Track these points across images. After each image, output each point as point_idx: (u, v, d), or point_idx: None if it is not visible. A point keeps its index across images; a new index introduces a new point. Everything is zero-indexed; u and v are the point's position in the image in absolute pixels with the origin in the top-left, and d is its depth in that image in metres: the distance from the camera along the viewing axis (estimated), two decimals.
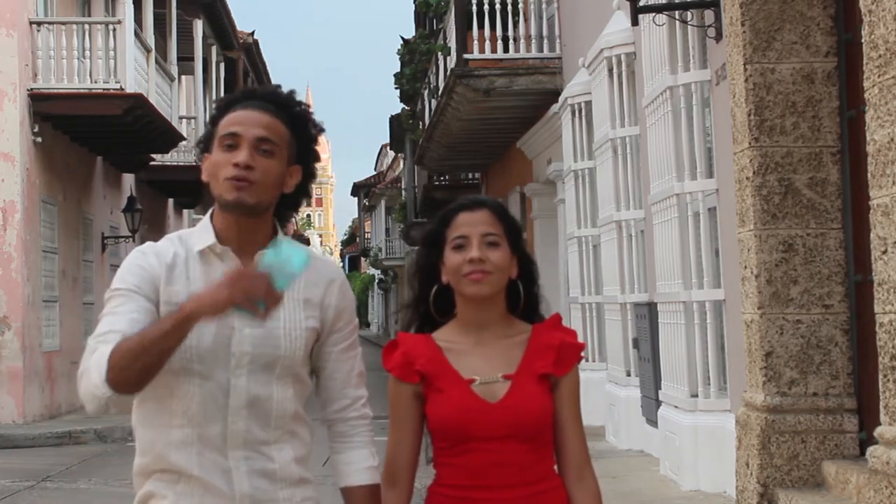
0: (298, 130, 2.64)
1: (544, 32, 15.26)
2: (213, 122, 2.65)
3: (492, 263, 2.69)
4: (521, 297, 2.79)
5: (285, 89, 2.67)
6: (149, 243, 2.66)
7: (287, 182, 2.62)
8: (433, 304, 2.79)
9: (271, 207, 2.63)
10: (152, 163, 21.22)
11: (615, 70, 10.68)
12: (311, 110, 2.69)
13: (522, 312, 2.81)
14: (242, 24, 59.93)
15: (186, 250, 2.61)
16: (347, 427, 2.74)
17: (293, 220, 2.82)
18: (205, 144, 2.66)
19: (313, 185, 2.80)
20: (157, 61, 18.46)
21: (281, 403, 2.61)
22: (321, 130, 2.70)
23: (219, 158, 2.57)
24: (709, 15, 7.86)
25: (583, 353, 2.85)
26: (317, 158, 2.72)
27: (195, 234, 2.64)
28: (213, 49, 25.59)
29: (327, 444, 2.80)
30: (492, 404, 2.67)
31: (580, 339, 2.88)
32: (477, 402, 2.67)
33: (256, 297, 2.33)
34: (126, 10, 16.34)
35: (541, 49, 15.16)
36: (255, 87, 2.69)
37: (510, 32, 15.14)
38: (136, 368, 2.39)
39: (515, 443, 2.66)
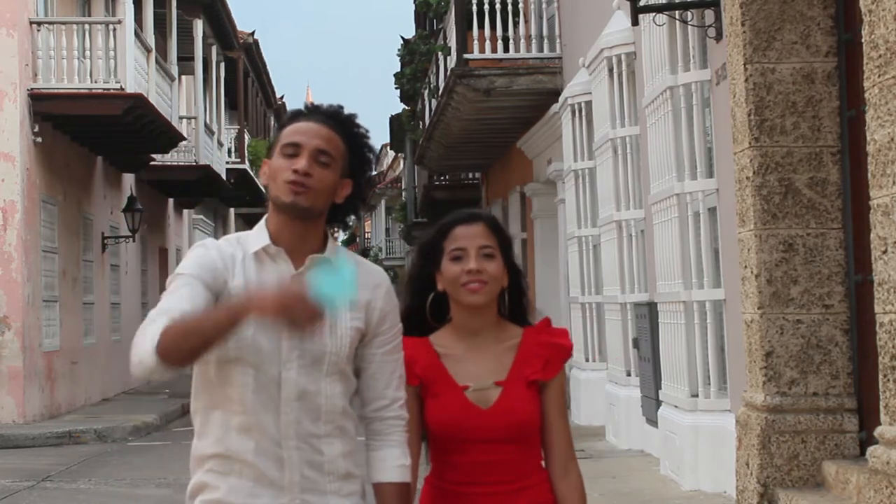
0: (354, 148, 2.83)
1: (544, 32, 15.26)
2: (279, 130, 2.84)
3: (488, 274, 2.89)
4: (506, 304, 2.99)
5: (346, 111, 2.87)
6: (210, 240, 2.85)
7: (339, 193, 2.81)
8: (429, 311, 2.98)
9: (323, 214, 2.81)
10: (152, 163, 21.23)
11: (615, 70, 10.68)
12: (368, 134, 2.89)
13: (512, 316, 3.01)
14: (242, 24, 59.93)
15: (243, 251, 2.79)
16: (384, 426, 2.85)
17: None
18: (268, 151, 2.85)
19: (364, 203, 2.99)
20: (157, 61, 18.45)
21: (330, 399, 2.76)
22: (376, 154, 2.93)
23: (279, 164, 2.76)
24: (709, 15, 7.85)
25: (572, 353, 3.04)
26: (368, 179, 2.93)
27: (251, 236, 2.82)
28: (213, 49, 25.59)
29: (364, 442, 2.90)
30: (484, 410, 2.88)
31: (578, 339, 3.03)
32: (470, 408, 2.88)
33: (300, 323, 2.48)
34: (126, 10, 16.33)
35: (541, 49, 15.16)
36: (321, 104, 2.91)
37: (510, 32, 15.14)
38: (186, 348, 2.55)
39: (505, 444, 2.87)
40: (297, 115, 2.84)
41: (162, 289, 2.81)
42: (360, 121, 2.88)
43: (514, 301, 3.00)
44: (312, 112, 2.83)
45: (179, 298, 2.65)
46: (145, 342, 2.57)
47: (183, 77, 23.75)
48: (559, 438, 2.94)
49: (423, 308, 2.97)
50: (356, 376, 2.85)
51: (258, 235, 2.80)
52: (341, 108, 2.87)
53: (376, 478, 2.83)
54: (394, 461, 2.82)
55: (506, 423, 2.86)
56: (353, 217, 2.98)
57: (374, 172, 2.71)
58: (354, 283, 2.57)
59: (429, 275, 2.95)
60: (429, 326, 2.98)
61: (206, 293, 2.69)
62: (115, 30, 16.13)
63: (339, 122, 2.82)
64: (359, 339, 2.81)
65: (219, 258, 2.75)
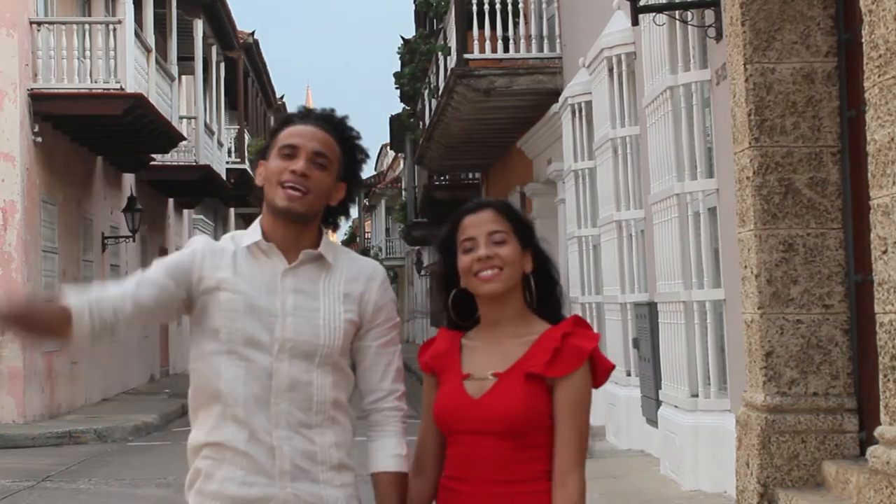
0: (347, 151, 2.89)
1: (544, 32, 15.26)
2: (273, 134, 2.90)
3: (501, 259, 2.77)
4: (533, 290, 2.81)
5: (339, 114, 2.93)
6: (204, 238, 2.97)
7: (333, 196, 2.87)
8: (457, 307, 2.87)
9: (318, 216, 2.87)
10: (152, 163, 21.22)
11: (615, 70, 10.68)
12: (360, 136, 2.94)
13: (541, 310, 2.83)
14: (242, 24, 59.94)
15: (237, 246, 2.86)
16: (381, 417, 2.90)
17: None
18: (263, 153, 2.90)
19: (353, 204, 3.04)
20: (157, 61, 18.46)
21: (321, 390, 2.80)
22: (367, 157, 2.97)
23: (276, 165, 2.81)
24: (709, 15, 7.85)
25: (594, 358, 2.78)
26: (359, 181, 2.97)
27: (246, 232, 2.91)
28: (213, 49, 25.60)
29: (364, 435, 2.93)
30: (472, 400, 2.75)
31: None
32: (461, 398, 2.76)
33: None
34: (126, 9, 16.34)
35: (541, 49, 15.16)
36: (314, 108, 2.99)
37: (510, 32, 15.14)
38: None
39: (493, 439, 2.72)
40: (292, 119, 2.89)
41: None
42: (351, 123, 2.93)
43: (542, 291, 2.82)
44: (307, 116, 2.89)
45: (134, 279, 2.82)
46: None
47: (183, 77, 23.75)
48: (561, 446, 2.70)
49: (448, 305, 2.88)
50: (353, 370, 2.89)
51: (252, 232, 2.87)
52: (334, 111, 2.93)
53: (373, 468, 2.86)
54: (390, 451, 2.86)
55: (489, 414, 2.70)
56: (342, 217, 3.03)
57: (367, 175, 2.69)
58: None
59: (452, 271, 2.84)
60: (457, 323, 2.88)
61: (163, 282, 2.79)
62: (115, 30, 16.13)
63: (333, 125, 2.87)
64: (354, 332, 2.85)
65: (198, 256, 2.83)
